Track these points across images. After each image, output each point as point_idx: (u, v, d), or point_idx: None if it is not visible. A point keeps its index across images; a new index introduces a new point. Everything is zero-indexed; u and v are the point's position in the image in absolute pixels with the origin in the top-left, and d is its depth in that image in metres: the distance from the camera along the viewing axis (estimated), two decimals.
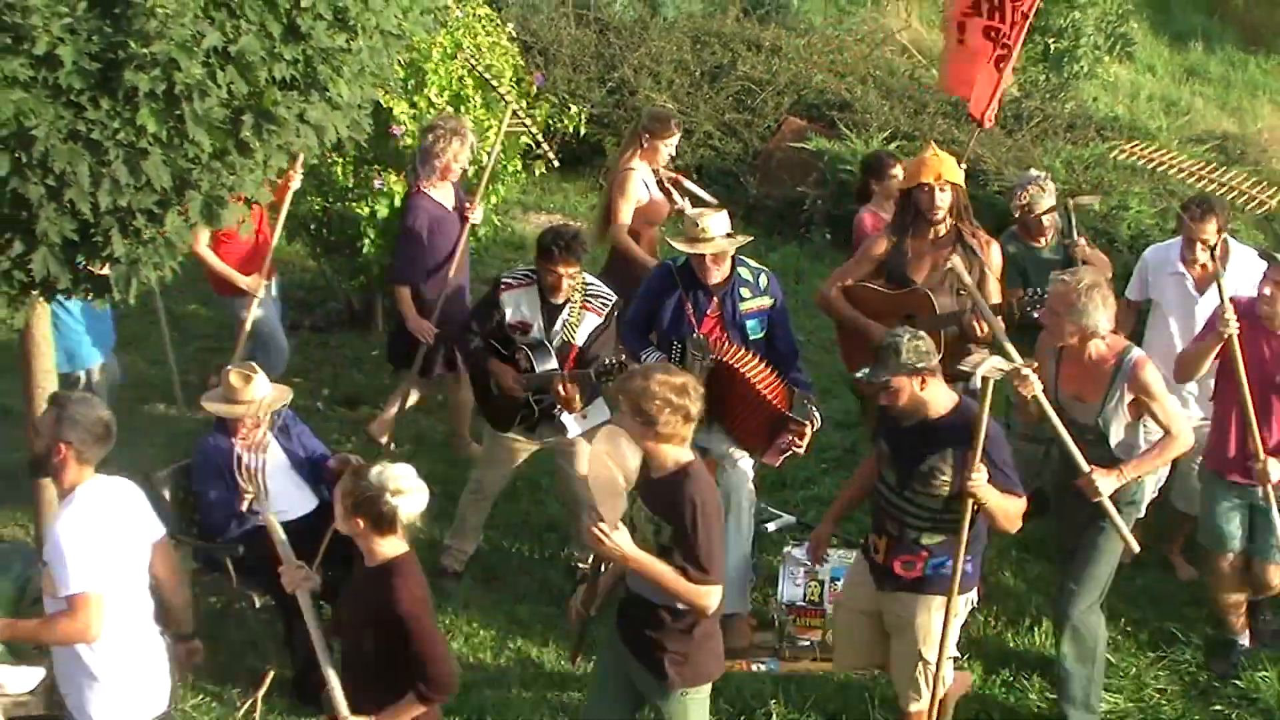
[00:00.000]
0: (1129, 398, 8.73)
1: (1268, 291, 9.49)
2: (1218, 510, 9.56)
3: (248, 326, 11.71)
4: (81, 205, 7.38)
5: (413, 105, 12.62)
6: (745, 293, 9.89)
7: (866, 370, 8.21)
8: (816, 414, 9.77)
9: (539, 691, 9.69)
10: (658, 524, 7.44)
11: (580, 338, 10.20)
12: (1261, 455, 9.16)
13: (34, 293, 7.87)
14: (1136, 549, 9.10)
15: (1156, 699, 9.62)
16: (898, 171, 11.51)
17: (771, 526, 10.95)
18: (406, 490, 7.10)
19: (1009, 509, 8.13)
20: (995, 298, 9.99)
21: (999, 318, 9.34)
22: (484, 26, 13.38)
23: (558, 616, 10.16)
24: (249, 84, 7.55)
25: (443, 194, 11.43)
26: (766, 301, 9.95)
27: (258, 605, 9.52)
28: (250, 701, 9.34)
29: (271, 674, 9.09)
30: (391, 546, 7.21)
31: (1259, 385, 9.18)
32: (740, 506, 10.01)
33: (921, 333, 8.09)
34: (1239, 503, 9.49)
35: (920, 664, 8.42)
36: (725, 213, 10.01)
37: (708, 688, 7.85)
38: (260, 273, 11.70)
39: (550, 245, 10.05)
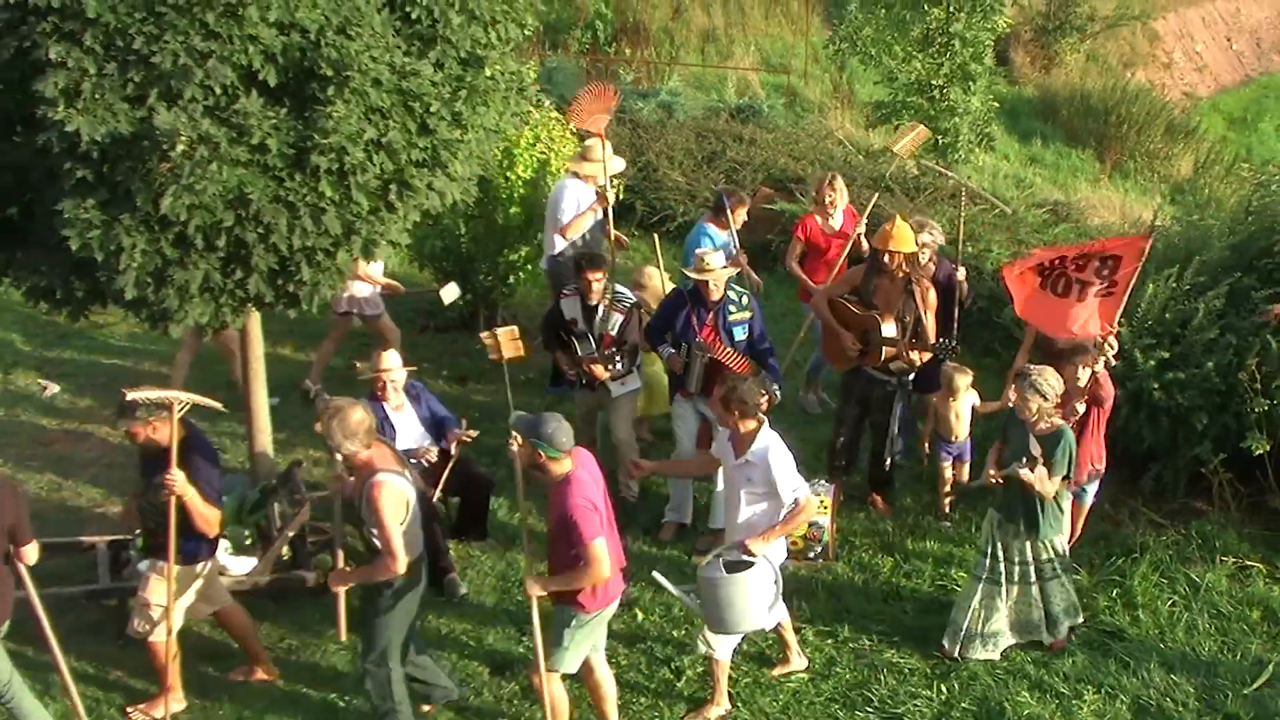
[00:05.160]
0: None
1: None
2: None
3: None
4: (281, 246, 7.47)
5: (506, 179, 12.66)
6: (732, 309, 9.89)
7: None
8: (776, 390, 9.75)
9: None
10: None
11: (612, 329, 10.24)
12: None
13: (249, 305, 7.93)
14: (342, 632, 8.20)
15: None
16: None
17: None
18: None
19: (205, 513, 7.79)
20: (930, 331, 10.03)
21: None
22: (554, 125, 13.38)
23: None
24: (394, 163, 7.61)
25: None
26: (747, 315, 9.95)
27: None
28: None
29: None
30: None
31: None
32: None
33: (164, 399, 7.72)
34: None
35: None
36: (722, 252, 10.14)
37: None
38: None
39: (580, 262, 10.35)
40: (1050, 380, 8.36)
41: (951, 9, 17.32)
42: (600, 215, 11.82)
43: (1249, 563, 9.91)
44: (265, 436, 9.80)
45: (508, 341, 8.77)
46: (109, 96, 7.07)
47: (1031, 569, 8.76)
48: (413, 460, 9.16)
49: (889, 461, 10.53)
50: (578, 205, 11.74)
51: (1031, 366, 8.56)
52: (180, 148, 6.97)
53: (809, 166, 16.97)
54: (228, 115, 7.15)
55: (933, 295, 10.15)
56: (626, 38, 25.76)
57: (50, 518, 9.61)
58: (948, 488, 10.49)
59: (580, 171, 11.86)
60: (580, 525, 7.30)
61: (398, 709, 7.84)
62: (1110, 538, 10.01)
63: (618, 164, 12.25)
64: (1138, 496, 10.40)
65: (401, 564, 7.42)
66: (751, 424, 8.15)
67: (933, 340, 10.07)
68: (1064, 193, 19.77)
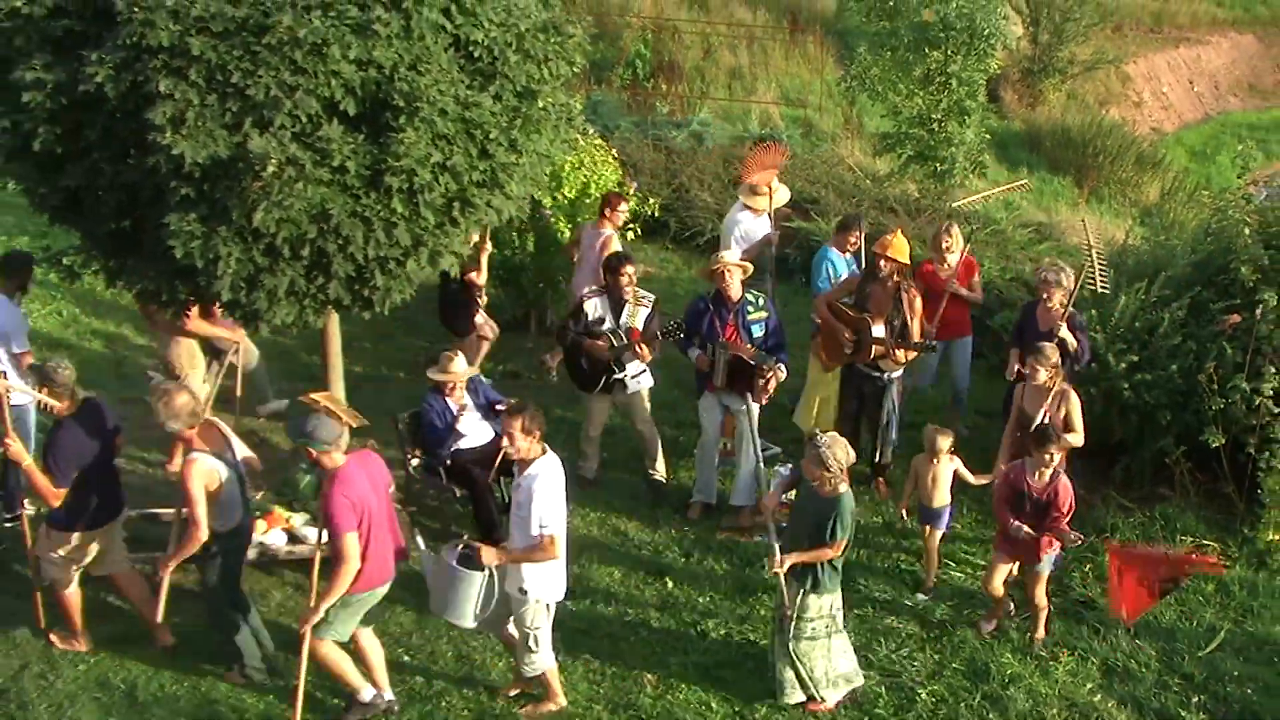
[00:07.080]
0: None
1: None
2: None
3: None
4: (358, 255, 7.49)
5: (554, 198, 12.60)
6: (751, 309, 9.83)
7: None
8: (781, 368, 9.68)
9: (628, 554, 9.70)
10: None
11: (639, 322, 10.11)
12: None
13: (328, 307, 7.95)
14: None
15: None
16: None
17: (770, 452, 10.88)
18: None
19: (39, 481, 7.54)
20: (915, 336, 9.94)
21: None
22: (598, 151, 13.35)
23: (638, 507, 10.22)
24: (457, 184, 7.62)
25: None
26: (764, 314, 9.89)
27: (458, 495, 9.53)
28: None
29: (465, 536, 9.08)
30: None
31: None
32: (749, 441, 9.91)
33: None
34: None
35: None
36: (733, 250, 10.20)
37: None
38: None
39: (612, 262, 10.18)
40: (838, 453, 7.50)
41: (949, 52, 17.26)
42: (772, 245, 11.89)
43: (1205, 542, 9.85)
44: None
45: (338, 407, 8.78)
46: (210, 124, 7.10)
47: (809, 625, 7.85)
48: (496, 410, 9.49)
49: (886, 450, 10.47)
50: (745, 235, 11.70)
51: (822, 436, 7.66)
52: (271, 169, 7.00)
53: (823, 190, 16.90)
54: (312, 141, 7.18)
55: (919, 302, 10.07)
56: (663, 74, 25.74)
57: (156, 491, 9.62)
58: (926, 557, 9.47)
59: (751, 205, 11.83)
60: (335, 518, 6.99)
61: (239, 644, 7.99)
62: (1084, 519, 9.92)
63: (783, 194, 12.20)
64: (1109, 484, 10.38)
65: (204, 533, 7.38)
66: (536, 450, 7.37)
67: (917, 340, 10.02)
68: (1047, 215, 19.60)
